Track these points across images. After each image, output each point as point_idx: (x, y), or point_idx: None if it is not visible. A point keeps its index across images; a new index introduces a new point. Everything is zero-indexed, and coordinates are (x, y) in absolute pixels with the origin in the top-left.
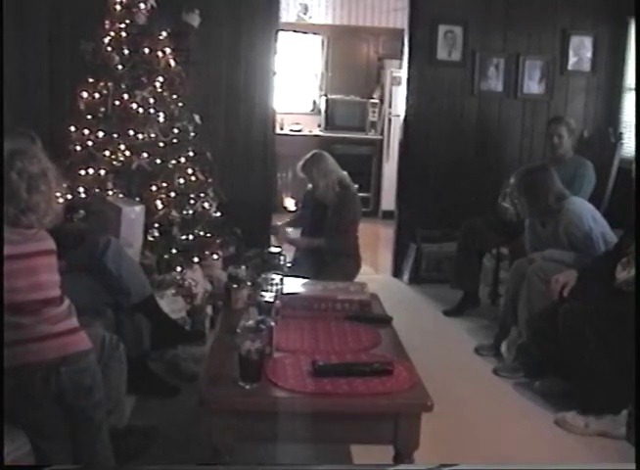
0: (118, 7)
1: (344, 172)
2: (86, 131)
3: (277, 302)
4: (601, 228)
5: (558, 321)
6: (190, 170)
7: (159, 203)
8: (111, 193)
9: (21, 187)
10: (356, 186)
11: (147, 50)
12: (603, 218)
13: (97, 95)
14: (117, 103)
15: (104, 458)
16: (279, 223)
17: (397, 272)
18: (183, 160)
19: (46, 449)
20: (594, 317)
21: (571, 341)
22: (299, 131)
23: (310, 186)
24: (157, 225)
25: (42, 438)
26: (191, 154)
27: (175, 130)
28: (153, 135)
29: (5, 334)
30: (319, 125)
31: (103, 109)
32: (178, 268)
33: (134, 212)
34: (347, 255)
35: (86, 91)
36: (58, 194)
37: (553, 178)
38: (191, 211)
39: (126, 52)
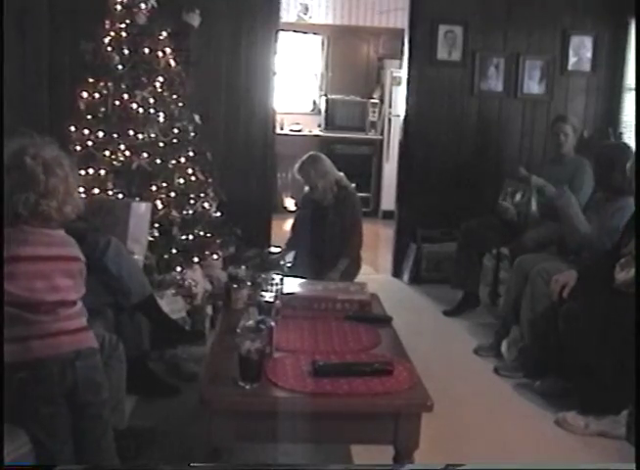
0: (119, 7)
1: (341, 173)
2: (86, 131)
3: (277, 302)
4: None
5: (558, 322)
6: (190, 170)
7: (159, 203)
8: (111, 193)
9: (37, 170)
10: (355, 186)
11: (147, 50)
12: None
13: (97, 95)
14: (117, 103)
15: (109, 456)
16: (277, 251)
17: (397, 272)
18: (183, 160)
19: (52, 448)
20: (594, 317)
21: (572, 341)
22: (299, 131)
23: (307, 189)
24: (157, 225)
25: (49, 435)
26: (191, 154)
27: (175, 130)
28: (153, 135)
29: (20, 329)
30: (319, 125)
31: (103, 109)
32: (178, 268)
33: (142, 208)
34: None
35: (86, 91)
36: (75, 183)
37: (625, 158)
38: (191, 211)
39: (126, 52)
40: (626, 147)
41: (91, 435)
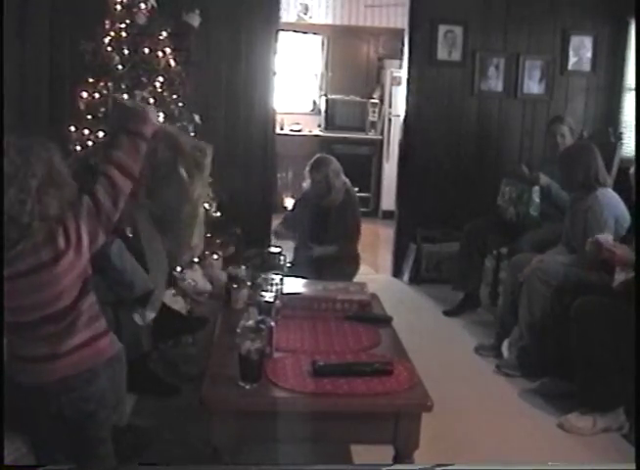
0: (119, 7)
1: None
2: (86, 131)
3: (277, 302)
4: (619, 230)
5: (566, 320)
6: None
7: None
8: None
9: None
10: (356, 188)
11: (147, 50)
12: (629, 225)
13: (97, 95)
14: None
15: (107, 465)
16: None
17: (397, 272)
18: None
19: (48, 451)
20: (606, 312)
21: (583, 335)
22: (299, 131)
23: (307, 188)
24: None
25: (43, 442)
26: None
27: None
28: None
29: (10, 347)
30: (319, 125)
31: (103, 109)
32: (178, 268)
33: None
34: (346, 255)
35: (86, 91)
36: (64, 175)
37: (590, 157)
38: None
39: (126, 52)
40: (589, 146)
41: (84, 448)
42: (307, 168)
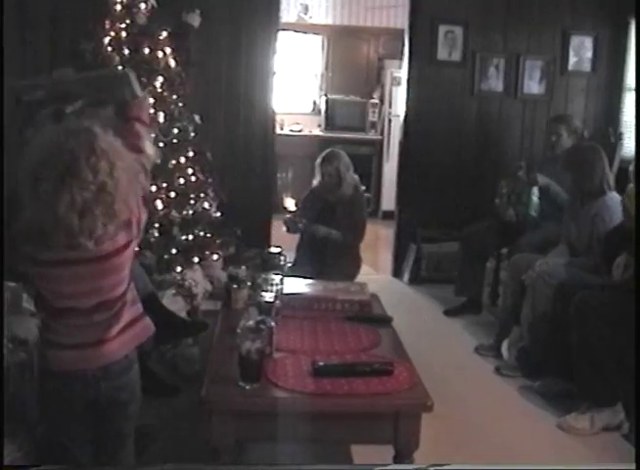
0: (119, 7)
1: None
2: None
3: (277, 302)
4: None
5: (567, 318)
6: (190, 170)
7: (159, 203)
8: None
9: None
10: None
11: (147, 50)
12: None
13: None
14: None
15: (124, 466)
16: (288, 215)
17: (397, 272)
18: (183, 160)
19: (71, 448)
20: (605, 305)
21: (582, 329)
22: (299, 131)
23: (316, 185)
24: (157, 225)
25: (69, 440)
26: (191, 154)
27: (175, 130)
28: (153, 135)
29: (48, 335)
30: (319, 125)
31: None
32: (178, 268)
33: None
34: (348, 255)
35: None
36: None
37: (602, 160)
38: (191, 212)
39: (126, 52)
40: (596, 149)
41: (109, 443)
42: (318, 161)
